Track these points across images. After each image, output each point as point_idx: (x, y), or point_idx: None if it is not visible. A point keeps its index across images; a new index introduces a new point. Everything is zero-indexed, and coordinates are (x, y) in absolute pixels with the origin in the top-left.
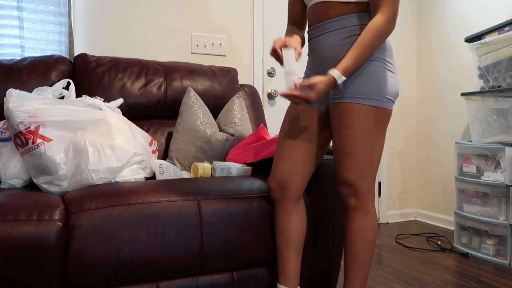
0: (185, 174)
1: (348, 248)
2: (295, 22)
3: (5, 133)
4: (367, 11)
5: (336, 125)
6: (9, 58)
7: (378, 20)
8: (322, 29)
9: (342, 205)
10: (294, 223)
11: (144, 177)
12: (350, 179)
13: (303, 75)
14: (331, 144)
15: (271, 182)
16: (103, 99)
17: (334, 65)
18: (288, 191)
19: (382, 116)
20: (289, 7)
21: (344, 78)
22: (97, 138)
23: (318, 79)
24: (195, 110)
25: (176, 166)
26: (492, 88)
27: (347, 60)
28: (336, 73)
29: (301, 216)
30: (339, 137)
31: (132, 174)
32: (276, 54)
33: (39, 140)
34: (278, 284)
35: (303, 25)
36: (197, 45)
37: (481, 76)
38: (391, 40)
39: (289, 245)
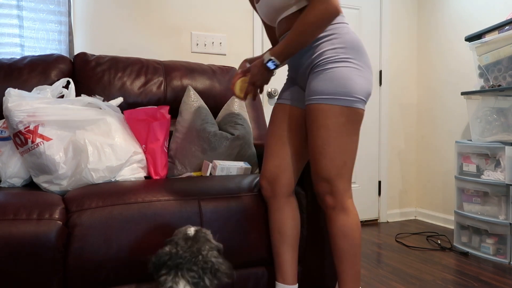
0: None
1: (334, 248)
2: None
3: (5, 132)
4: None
5: (309, 126)
6: (9, 57)
7: (307, 10)
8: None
9: (321, 206)
10: (286, 220)
11: (144, 176)
12: (326, 176)
13: (287, 75)
14: None
15: (261, 180)
16: (103, 98)
17: (303, 62)
18: (278, 188)
19: (353, 116)
20: (268, 35)
21: (271, 58)
22: (96, 137)
23: (254, 63)
24: (195, 109)
25: (176, 165)
26: (492, 87)
27: (280, 44)
28: (266, 54)
29: (293, 212)
30: (312, 138)
31: (132, 173)
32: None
33: (38, 140)
34: (276, 282)
35: None
36: (197, 44)
37: (481, 75)
38: (391, 39)
39: (283, 242)
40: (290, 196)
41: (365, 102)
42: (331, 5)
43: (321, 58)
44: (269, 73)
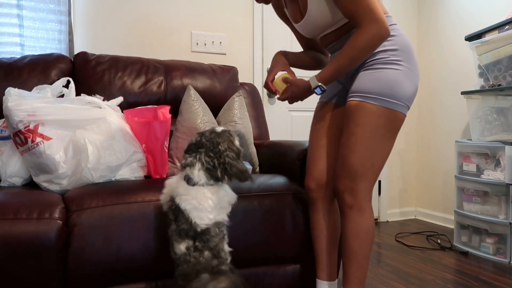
0: None
1: (344, 247)
2: (310, 47)
3: (5, 131)
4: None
5: (346, 122)
6: (9, 56)
7: (358, 34)
8: (334, 48)
9: (338, 203)
10: (335, 221)
11: (144, 176)
12: (350, 174)
13: None
14: None
15: (310, 182)
16: (103, 98)
17: (349, 74)
18: (327, 190)
19: (393, 119)
20: (298, 40)
21: (319, 84)
22: (96, 136)
23: (296, 82)
24: (195, 108)
25: (176, 165)
26: (492, 86)
27: (327, 68)
28: (313, 79)
29: (337, 213)
30: (346, 133)
31: (132, 172)
32: (268, 87)
33: (38, 139)
34: (317, 279)
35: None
36: (197, 44)
37: (481, 74)
38: None
39: (331, 244)
40: (334, 196)
41: (408, 107)
42: (384, 28)
43: (370, 59)
44: (311, 94)
